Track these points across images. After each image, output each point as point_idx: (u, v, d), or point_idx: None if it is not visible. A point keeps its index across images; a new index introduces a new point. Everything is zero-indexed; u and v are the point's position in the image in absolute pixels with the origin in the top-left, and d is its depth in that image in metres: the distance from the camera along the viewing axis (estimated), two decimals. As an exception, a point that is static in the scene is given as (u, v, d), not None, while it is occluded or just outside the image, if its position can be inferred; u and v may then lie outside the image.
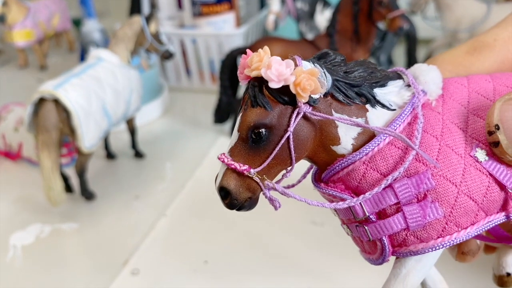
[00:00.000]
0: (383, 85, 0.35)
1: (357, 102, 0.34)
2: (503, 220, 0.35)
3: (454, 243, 0.33)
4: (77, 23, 1.60)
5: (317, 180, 0.37)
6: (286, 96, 0.32)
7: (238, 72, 0.34)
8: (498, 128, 0.33)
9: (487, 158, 0.34)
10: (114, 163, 0.91)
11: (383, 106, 0.34)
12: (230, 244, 0.67)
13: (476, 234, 0.34)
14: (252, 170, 0.32)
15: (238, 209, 0.34)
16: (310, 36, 1.02)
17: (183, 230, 0.71)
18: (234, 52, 0.89)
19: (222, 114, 0.95)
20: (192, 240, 0.69)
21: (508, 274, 0.42)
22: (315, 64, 0.33)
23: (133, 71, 0.82)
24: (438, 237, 0.33)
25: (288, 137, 0.32)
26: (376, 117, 0.34)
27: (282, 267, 0.62)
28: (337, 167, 0.34)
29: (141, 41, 0.84)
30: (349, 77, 0.34)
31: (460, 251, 0.40)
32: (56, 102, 0.68)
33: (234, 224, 0.71)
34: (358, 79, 0.34)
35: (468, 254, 0.39)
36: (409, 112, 0.34)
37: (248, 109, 0.32)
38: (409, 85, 0.36)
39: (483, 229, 0.34)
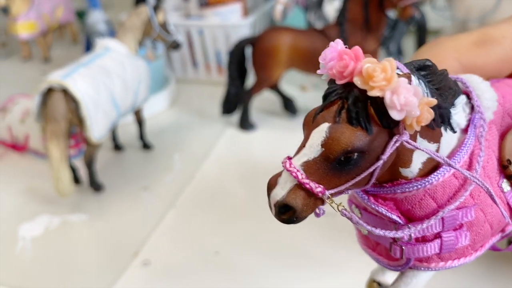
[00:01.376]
0: (453, 105, 0.32)
1: (439, 125, 0.31)
2: (498, 239, 0.36)
3: (465, 263, 0.34)
4: (81, 15, 1.58)
5: (365, 191, 0.34)
6: (392, 121, 0.28)
7: (334, 70, 0.29)
8: (511, 163, 0.33)
9: (509, 188, 0.34)
10: (122, 155, 0.90)
11: (452, 129, 0.32)
12: (241, 234, 0.66)
13: (481, 254, 0.35)
14: (327, 193, 0.29)
15: (288, 222, 0.31)
16: (318, 25, 1.01)
17: (193, 221, 0.70)
18: (242, 43, 0.88)
19: (230, 105, 0.94)
20: (202, 231, 0.68)
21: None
22: (420, 82, 0.29)
23: (141, 61, 0.81)
24: (455, 259, 0.35)
25: (377, 167, 0.29)
26: (446, 142, 0.32)
27: (294, 257, 0.61)
28: (397, 189, 0.32)
29: (149, 31, 0.83)
30: (443, 99, 0.31)
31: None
32: (65, 92, 0.68)
33: (244, 214, 0.70)
34: (447, 100, 0.31)
35: None
36: (472, 141, 0.32)
37: (343, 124, 0.28)
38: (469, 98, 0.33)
39: (485, 250, 0.36)
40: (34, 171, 0.86)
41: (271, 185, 0.30)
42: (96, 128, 0.69)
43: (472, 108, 0.34)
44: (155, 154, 0.90)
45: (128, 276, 0.61)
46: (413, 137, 0.30)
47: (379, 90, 0.27)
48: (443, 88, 0.31)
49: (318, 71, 0.30)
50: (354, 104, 0.28)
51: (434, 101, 0.28)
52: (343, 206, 0.30)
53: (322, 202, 0.30)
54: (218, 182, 0.80)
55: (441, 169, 0.32)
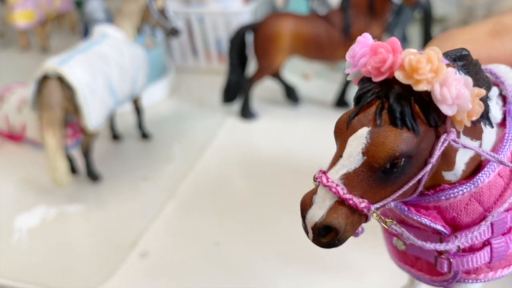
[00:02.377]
0: (488, 97, 0.29)
1: (480, 121, 0.28)
2: None
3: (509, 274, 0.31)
4: (79, 4, 1.56)
5: (406, 203, 0.31)
6: (438, 117, 0.25)
7: (369, 66, 0.26)
8: None
9: None
10: (121, 145, 0.88)
11: (490, 123, 0.29)
12: (241, 225, 0.65)
13: None
14: (372, 207, 0.26)
15: (328, 247, 0.27)
16: (321, 11, 0.98)
17: (193, 211, 0.69)
18: (243, 29, 0.86)
19: (230, 93, 0.92)
20: (203, 221, 0.66)
21: None
22: (460, 72, 0.26)
23: (139, 49, 0.79)
24: (505, 267, 0.31)
25: (426, 171, 0.26)
26: (487, 139, 0.29)
27: (295, 248, 0.59)
28: (441, 196, 0.29)
29: (147, 17, 0.81)
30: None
31: None
32: (61, 79, 0.66)
33: (245, 205, 0.69)
34: (486, 92, 0.28)
35: None
36: (511, 135, 0.30)
37: (386, 127, 0.25)
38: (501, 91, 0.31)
39: None
40: (31, 161, 0.84)
41: (306, 204, 0.27)
42: (93, 116, 0.67)
43: (504, 99, 0.31)
44: (154, 144, 0.88)
45: (127, 267, 0.59)
46: (457, 136, 0.27)
47: (426, 83, 0.24)
48: (479, 79, 0.28)
49: (346, 71, 0.27)
50: (397, 102, 0.25)
51: (483, 92, 0.25)
52: (392, 221, 0.27)
53: (366, 218, 0.26)
54: (219, 172, 0.78)
55: (486, 168, 0.29)
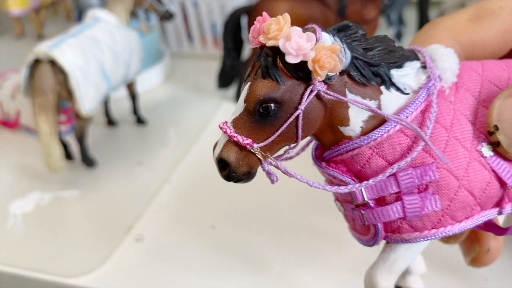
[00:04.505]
0: (400, 66, 0.32)
1: (373, 83, 0.31)
2: (496, 215, 0.34)
3: (447, 235, 0.33)
4: (74, -10, 1.55)
5: (318, 157, 0.35)
6: (301, 71, 0.29)
7: (249, 35, 0.31)
8: (498, 129, 0.32)
9: (492, 154, 0.33)
10: (116, 130, 0.88)
11: (398, 89, 0.32)
12: (237, 208, 0.65)
13: (469, 227, 0.33)
14: (255, 145, 0.30)
15: (235, 181, 0.32)
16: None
17: (188, 196, 0.68)
18: (237, 12, 0.85)
19: (226, 78, 0.91)
20: (198, 205, 0.66)
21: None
22: (335, 38, 0.30)
23: (132, 33, 0.78)
24: (432, 228, 0.33)
25: (298, 115, 0.30)
26: (390, 101, 0.32)
27: (291, 230, 0.60)
28: (342, 149, 0.33)
29: (140, 1, 0.80)
30: (368, 55, 0.31)
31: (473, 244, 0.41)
32: (53, 63, 0.65)
33: (240, 188, 0.68)
34: (377, 57, 0.32)
35: (452, 237, 0.40)
36: (424, 99, 0.32)
37: (258, 79, 0.30)
38: (425, 67, 0.33)
39: (476, 223, 0.34)
40: (26, 148, 0.84)
41: (214, 147, 0.32)
42: (86, 101, 0.67)
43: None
44: (149, 129, 0.87)
45: (122, 251, 0.59)
46: (341, 92, 0.31)
47: (274, 40, 0.29)
48: (374, 49, 0.32)
49: (250, 46, 0.32)
50: (264, 59, 0.30)
51: (335, 47, 0.29)
52: (272, 158, 0.31)
53: (258, 159, 0.31)
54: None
55: (384, 126, 0.32)
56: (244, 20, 0.86)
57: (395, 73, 0.32)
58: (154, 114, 0.92)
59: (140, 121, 0.88)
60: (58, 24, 1.55)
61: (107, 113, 0.87)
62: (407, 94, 0.32)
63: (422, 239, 0.33)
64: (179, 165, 0.75)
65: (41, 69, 0.65)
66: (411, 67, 0.33)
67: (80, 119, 0.70)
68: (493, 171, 0.33)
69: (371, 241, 0.35)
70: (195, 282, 0.54)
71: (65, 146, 0.76)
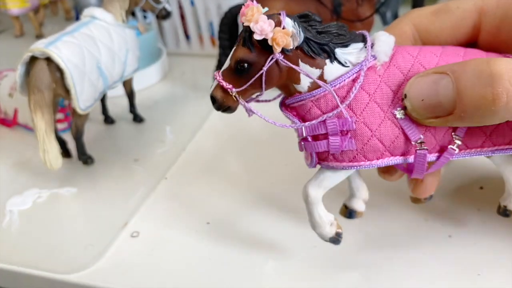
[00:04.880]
0: (345, 46, 0.44)
1: (321, 57, 0.43)
2: (402, 162, 0.46)
3: (360, 168, 0.46)
4: (72, -10, 1.55)
5: (282, 104, 0.48)
6: (266, 44, 0.41)
7: (240, 14, 0.42)
8: (406, 97, 0.43)
9: (403, 116, 0.44)
10: (113, 128, 0.88)
11: (339, 63, 0.44)
12: (232, 205, 0.65)
13: (379, 166, 0.46)
14: (234, 90, 0.43)
15: (222, 111, 0.45)
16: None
17: (184, 192, 0.69)
18: (233, 10, 0.86)
19: (222, 76, 0.91)
20: (193, 202, 0.67)
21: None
22: (295, 23, 0.41)
23: (128, 30, 0.79)
24: (349, 161, 0.46)
25: (262, 74, 0.42)
26: (330, 70, 0.44)
27: (286, 226, 0.60)
28: (294, 100, 0.45)
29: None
30: (319, 37, 0.43)
31: (380, 170, 0.54)
32: (48, 61, 0.65)
33: (236, 185, 0.69)
34: (326, 39, 0.43)
35: (385, 173, 0.53)
36: (355, 71, 0.44)
37: (239, 46, 0.43)
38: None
39: (386, 164, 0.46)
40: (24, 146, 0.84)
41: (211, 86, 0.45)
42: (82, 98, 0.67)
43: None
44: (146, 127, 0.88)
45: (117, 247, 0.60)
46: (295, 61, 0.43)
47: (247, 22, 0.41)
48: (326, 32, 0.43)
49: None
50: (244, 33, 0.42)
51: (287, 31, 0.40)
52: (241, 99, 0.44)
53: (235, 99, 0.44)
54: (210, 154, 0.78)
55: (322, 85, 0.44)
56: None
57: (339, 51, 0.44)
58: (151, 112, 0.92)
59: (137, 119, 0.88)
60: (57, 23, 1.56)
61: (104, 111, 0.87)
62: (347, 67, 0.44)
63: (342, 168, 0.46)
64: (175, 162, 0.76)
65: (37, 67, 0.65)
66: (354, 47, 0.44)
67: (76, 117, 0.71)
68: (402, 129, 0.44)
69: (311, 165, 0.48)
70: (190, 278, 0.54)
71: (63, 143, 0.77)
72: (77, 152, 0.75)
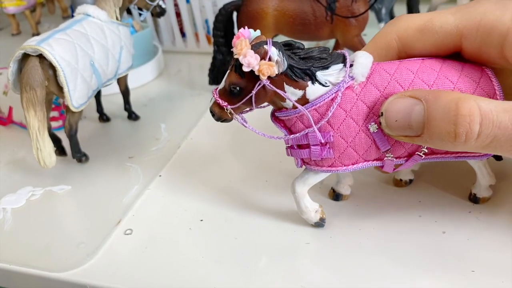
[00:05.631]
0: (325, 68, 0.49)
1: (303, 80, 0.48)
2: (379, 165, 0.53)
3: (338, 172, 0.53)
4: (69, -12, 1.55)
5: (273, 114, 0.53)
6: (254, 73, 0.46)
7: (232, 43, 0.47)
8: (382, 114, 0.47)
9: (376, 130, 0.49)
10: (107, 125, 0.88)
11: (320, 83, 0.49)
12: (226, 202, 0.65)
13: (354, 170, 0.52)
14: (229, 107, 0.50)
15: (221, 122, 0.52)
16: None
17: (177, 190, 0.69)
18: (226, 7, 0.85)
19: (217, 74, 0.91)
20: (187, 200, 0.66)
21: (401, 180, 0.63)
22: (280, 52, 0.46)
23: (122, 28, 0.78)
24: (328, 167, 0.52)
25: (251, 96, 0.48)
26: (312, 91, 0.49)
27: (279, 224, 0.60)
28: (281, 114, 0.51)
29: (130, -3, 0.80)
30: (301, 62, 0.48)
31: (377, 168, 0.57)
32: (41, 58, 0.65)
33: (230, 183, 0.69)
34: (308, 64, 0.48)
35: (377, 167, 0.55)
36: (334, 92, 0.49)
37: (232, 71, 0.48)
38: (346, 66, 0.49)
39: (360, 168, 0.52)
40: (18, 144, 0.84)
41: (210, 100, 0.51)
42: (74, 96, 0.67)
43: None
44: (141, 124, 0.88)
45: (110, 245, 0.59)
46: (280, 84, 0.48)
47: (238, 55, 0.46)
48: (308, 58, 0.48)
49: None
50: (236, 61, 0.47)
51: (271, 64, 0.46)
52: (235, 114, 0.51)
53: (230, 115, 0.50)
54: (205, 151, 0.78)
55: (306, 105, 0.49)
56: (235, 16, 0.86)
57: (320, 74, 0.49)
58: (146, 109, 0.92)
59: (131, 116, 0.88)
60: (53, 22, 1.56)
61: (99, 108, 0.87)
62: (327, 86, 0.49)
63: (322, 171, 0.53)
64: (169, 160, 0.76)
65: (29, 64, 0.65)
66: (334, 68, 0.49)
67: (70, 114, 0.71)
68: (374, 140, 0.50)
69: (297, 165, 0.54)
70: (184, 275, 0.54)
71: (57, 141, 0.77)
72: (71, 150, 0.75)
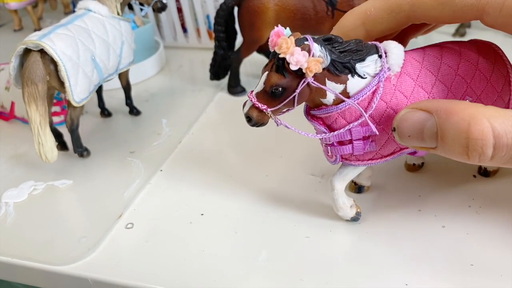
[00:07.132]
0: (362, 60, 0.48)
1: (344, 74, 0.48)
2: (411, 151, 0.54)
3: (377, 164, 0.53)
4: (71, -16, 1.55)
5: (307, 113, 0.53)
6: (299, 71, 0.46)
7: (269, 40, 0.46)
8: (395, 130, 0.47)
9: None
10: (109, 120, 0.88)
11: (359, 76, 0.48)
12: (227, 197, 0.65)
13: (390, 160, 0.53)
14: (269, 110, 0.48)
15: (256, 127, 0.50)
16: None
17: (178, 184, 0.69)
18: (228, 2, 0.85)
19: (218, 69, 0.91)
20: (188, 194, 0.67)
21: (414, 164, 0.65)
22: (322, 47, 0.46)
23: (123, 23, 0.78)
24: (369, 160, 0.52)
25: (294, 95, 0.47)
26: (353, 84, 0.49)
27: (278, 219, 0.60)
28: (321, 111, 0.51)
29: (131, -8, 0.80)
30: (341, 56, 0.47)
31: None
32: (42, 53, 0.65)
33: (230, 177, 0.69)
34: (347, 57, 0.47)
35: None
36: (375, 84, 0.49)
37: (273, 72, 0.47)
38: (381, 56, 0.49)
39: (397, 157, 0.53)
40: (21, 138, 0.85)
41: (243, 106, 0.50)
42: (76, 91, 0.67)
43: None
44: (143, 119, 0.88)
45: (112, 239, 0.60)
46: (322, 80, 0.47)
47: (283, 54, 0.45)
48: (347, 51, 0.48)
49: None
50: (277, 61, 0.46)
51: (319, 60, 0.45)
52: (274, 116, 0.49)
53: (269, 117, 0.49)
54: (206, 146, 0.78)
55: (347, 100, 0.48)
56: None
57: (358, 66, 0.48)
58: (148, 104, 0.93)
59: (133, 111, 0.88)
60: (55, 18, 1.55)
61: (100, 103, 0.87)
62: (365, 78, 0.49)
63: (363, 165, 0.53)
64: (170, 154, 0.76)
65: (30, 59, 0.65)
66: (370, 59, 0.49)
67: (71, 109, 0.71)
68: None
69: (334, 162, 0.54)
70: (184, 269, 0.54)
71: (59, 136, 0.77)
72: (72, 145, 0.75)
